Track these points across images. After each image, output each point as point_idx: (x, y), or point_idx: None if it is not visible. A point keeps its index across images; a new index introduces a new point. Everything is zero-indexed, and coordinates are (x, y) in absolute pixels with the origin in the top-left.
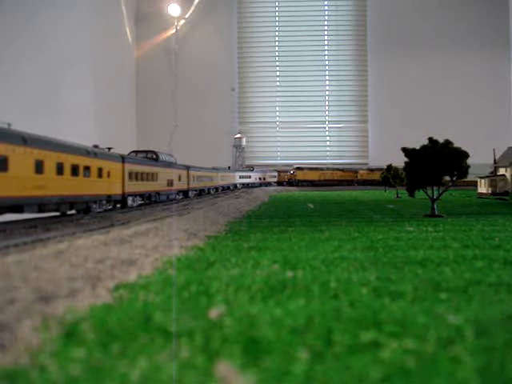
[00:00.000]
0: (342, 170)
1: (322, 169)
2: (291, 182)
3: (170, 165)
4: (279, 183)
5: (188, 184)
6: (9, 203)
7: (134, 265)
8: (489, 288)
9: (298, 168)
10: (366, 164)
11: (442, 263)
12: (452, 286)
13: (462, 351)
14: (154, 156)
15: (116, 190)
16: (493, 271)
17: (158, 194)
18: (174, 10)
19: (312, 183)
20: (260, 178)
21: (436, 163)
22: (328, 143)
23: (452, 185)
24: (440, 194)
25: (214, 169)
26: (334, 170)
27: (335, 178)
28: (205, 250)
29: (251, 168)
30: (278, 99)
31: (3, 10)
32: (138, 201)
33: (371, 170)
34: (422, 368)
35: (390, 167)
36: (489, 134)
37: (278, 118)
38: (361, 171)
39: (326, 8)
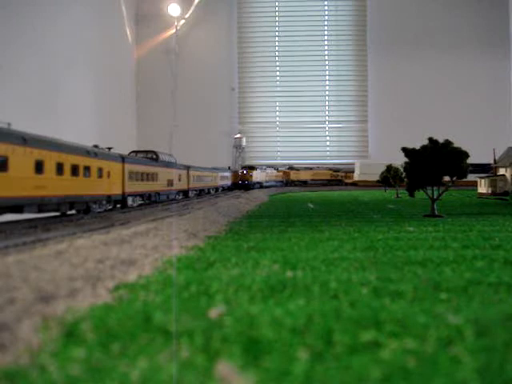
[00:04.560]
0: (277, 169)
1: (265, 169)
2: (248, 185)
3: (169, 165)
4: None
5: (188, 184)
6: (9, 203)
7: (134, 265)
8: (489, 288)
9: (251, 167)
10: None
11: (442, 263)
12: (452, 285)
13: (462, 351)
14: (154, 156)
15: (116, 190)
16: (493, 271)
17: (157, 194)
18: (174, 10)
19: (260, 185)
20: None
21: (436, 163)
22: (328, 143)
23: (452, 185)
24: (440, 194)
25: (214, 169)
26: (273, 170)
27: (272, 179)
28: (205, 249)
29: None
30: (277, 99)
31: (3, 10)
32: (138, 201)
33: (297, 170)
34: (422, 368)
35: (389, 167)
36: (489, 134)
37: (277, 118)
38: (289, 171)
39: (326, 8)
